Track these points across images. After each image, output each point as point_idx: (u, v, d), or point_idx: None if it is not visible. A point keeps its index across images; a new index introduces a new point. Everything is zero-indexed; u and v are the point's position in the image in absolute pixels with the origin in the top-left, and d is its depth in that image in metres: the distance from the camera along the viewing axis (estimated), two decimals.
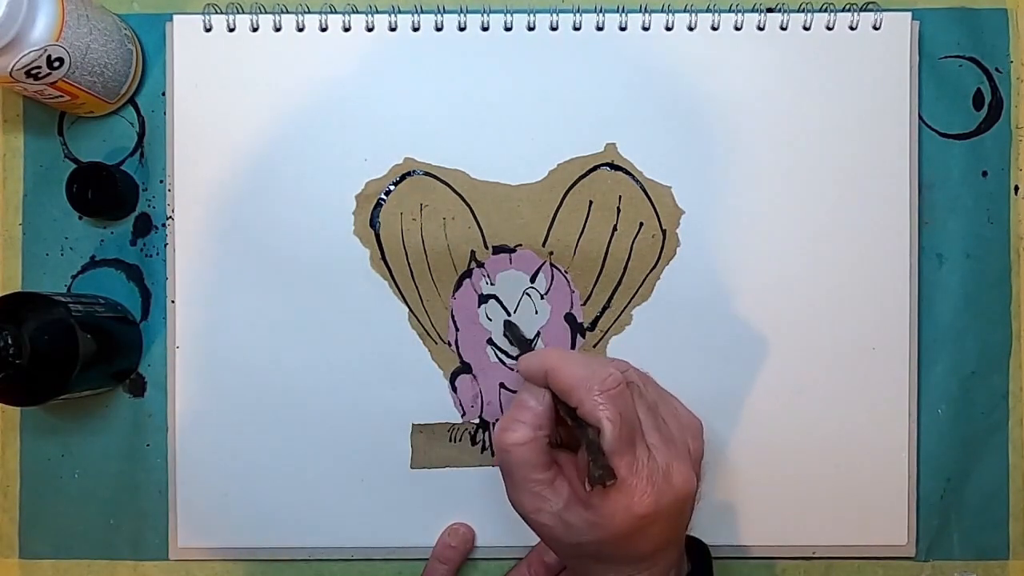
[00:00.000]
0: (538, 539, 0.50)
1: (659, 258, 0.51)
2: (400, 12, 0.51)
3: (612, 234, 0.51)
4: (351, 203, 0.51)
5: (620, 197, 0.51)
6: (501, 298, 0.51)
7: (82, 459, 0.52)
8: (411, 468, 0.51)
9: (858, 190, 0.51)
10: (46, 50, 0.43)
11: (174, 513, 0.51)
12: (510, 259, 0.51)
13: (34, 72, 0.44)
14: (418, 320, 0.51)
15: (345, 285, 0.51)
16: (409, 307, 0.51)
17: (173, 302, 0.51)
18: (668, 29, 0.51)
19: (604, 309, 0.51)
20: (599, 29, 0.51)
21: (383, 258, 0.51)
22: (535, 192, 0.51)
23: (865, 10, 0.51)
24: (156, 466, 0.51)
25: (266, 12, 0.51)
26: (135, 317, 0.51)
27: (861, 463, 0.51)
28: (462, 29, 0.51)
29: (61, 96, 0.47)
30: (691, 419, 0.43)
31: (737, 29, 0.51)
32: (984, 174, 0.52)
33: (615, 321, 0.51)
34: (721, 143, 0.51)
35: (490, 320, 0.51)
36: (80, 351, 0.44)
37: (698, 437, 0.42)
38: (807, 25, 0.51)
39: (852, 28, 0.51)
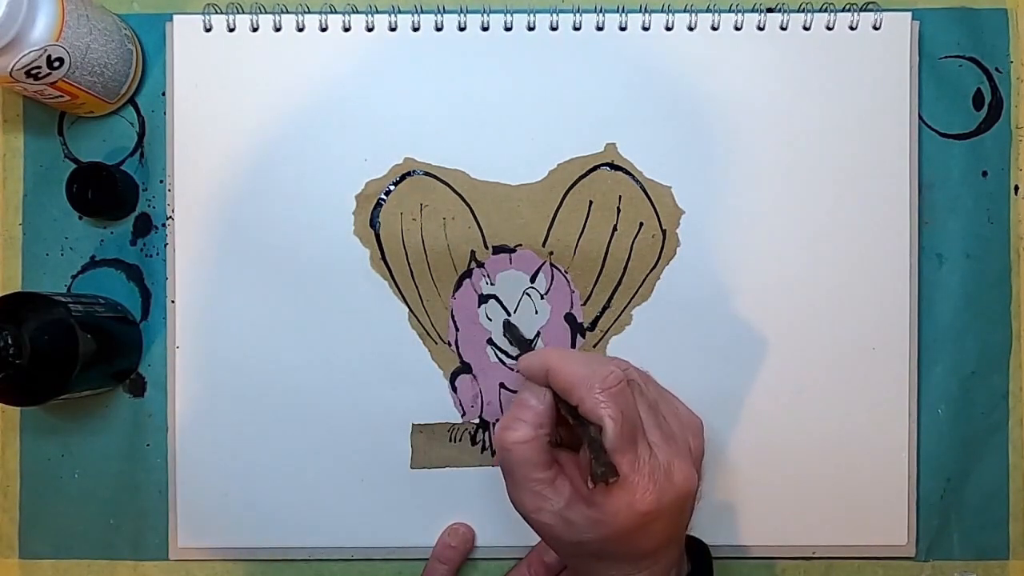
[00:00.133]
0: (538, 539, 0.50)
1: (659, 258, 0.51)
2: (400, 12, 0.51)
3: (612, 234, 0.51)
4: (351, 203, 0.51)
5: (620, 197, 0.51)
6: (501, 298, 0.51)
7: (82, 459, 0.52)
8: (411, 468, 0.51)
9: (858, 190, 0.51)
10: (46, 50, 0.43)
11: (174, 513, 0.51)
12: (510, 259, 0.51)
13: (34, 72, 0.44)
14: (418, 320, 0.51)
15: (345, 285, 0.51)
16: (409, 307, 0.51)
17: (173, 302, 0.51)
18: (668, 29, 0.51)
19: (604, 309, 0.51)
20: (599, 29, 0.51)
21: (383, 258, 0.51)
22: (535, 192, 0.51)
23: (865, 10, 0.51)
24: (156, 466, 0.51)
25: (266, 12, 0.51)
26: (135, 317, 0.51)
27: (861, 463, 0.51)
28: (462, 29, 0.51)
29: (61, 96, 0.47)
30: (691, 418, 0.43)
31: (737, 29, 0.51)
32: (984, 174, 0.52)
33: (615, 321, 0.51)
34: (721, 143, 0.51)
35: (490, 320, 0.51)
36: (80, 351, 0.44)
37: (699, 435, 0.43)
38: (807, 25, 0.51)
39: (852, 28, 0.51)
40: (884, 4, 0.51)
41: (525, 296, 0.51)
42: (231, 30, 0.51)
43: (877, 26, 0.51)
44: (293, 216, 0.51)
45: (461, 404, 0.51)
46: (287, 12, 0.51)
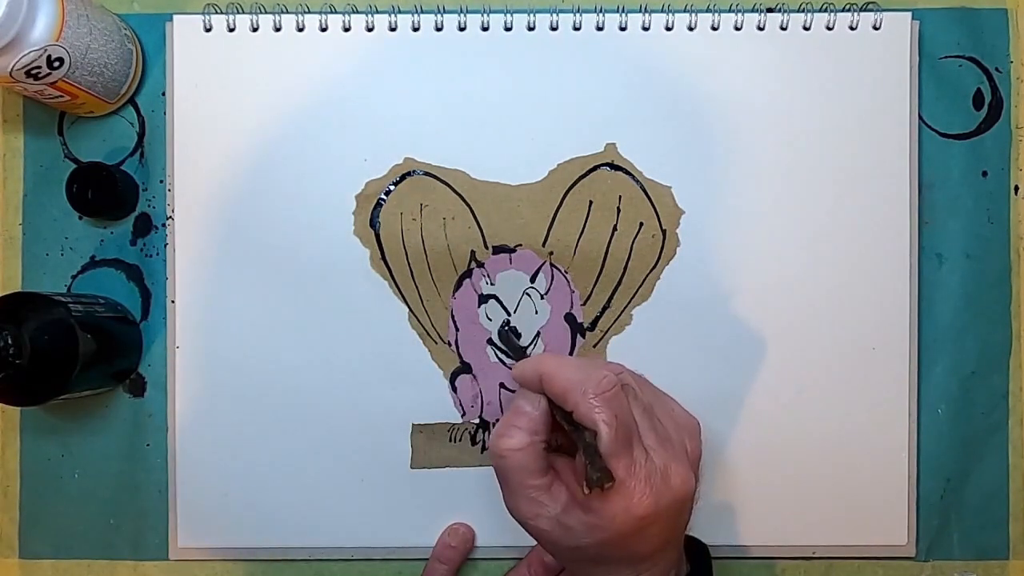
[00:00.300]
0: None
1: (659, 258, 0.51)
2: (400, 12, 0.51)
3: (612, 234, 0.51)
4: (351, 203, 0.51)
5: (620, 197, 0.51)
6: (501, 298, 0.51)
7: (82, 459, 0.52)
8: (411, 468, 0.51)
9: (858, 190, 0.51)
10: (46, 50, 0.43)
11: (174, 513, 0.51)
12: (510, 259, 0.51)
13: (34, 72, 0.44)
14: (418, 320, 0.51)
15: (345, 285, 0.51)
16: (409, 307, 0.51)
17: (173, 302, 0.51)
18: (668, 29, 0.51)
19: (604, 309, 0.51)
20: (599, 29, 0.51)
21: (383, 258, 0.51)
22: (535, 192, 0.51)
23: (865, 10, 0.51)
24: (156, 466, 0.51)
25: (266, 12, 0.51)
26: (135, 317, 0.51)
27: (861, 463, 0.51)
28: (462, 29, 0.51)
29: (61, 96, 0.47)
30: (688, 419, 0.43)
31: (737, 29, 0.51)
32: (984, 174, 0.52)
33: (615, 321, 0.51)
34: (721, 143, 0.51)
35: (490, 320, 0.51)
36: (80, 351, 0.44)
37: (695, 437, 0.42)
38: (807, 25, 0.51)
39: (852, 28, 0.51)
40: (884, 4, 0.51)
41: (525, 296, 0.51)
42: (231, 30, 0.51)
43: (877, 26, 0.51)
44: (293, 216, 0.51)
45: (461, 404, 0.51)
46: (287, 12, 0.51)
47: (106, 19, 0.47)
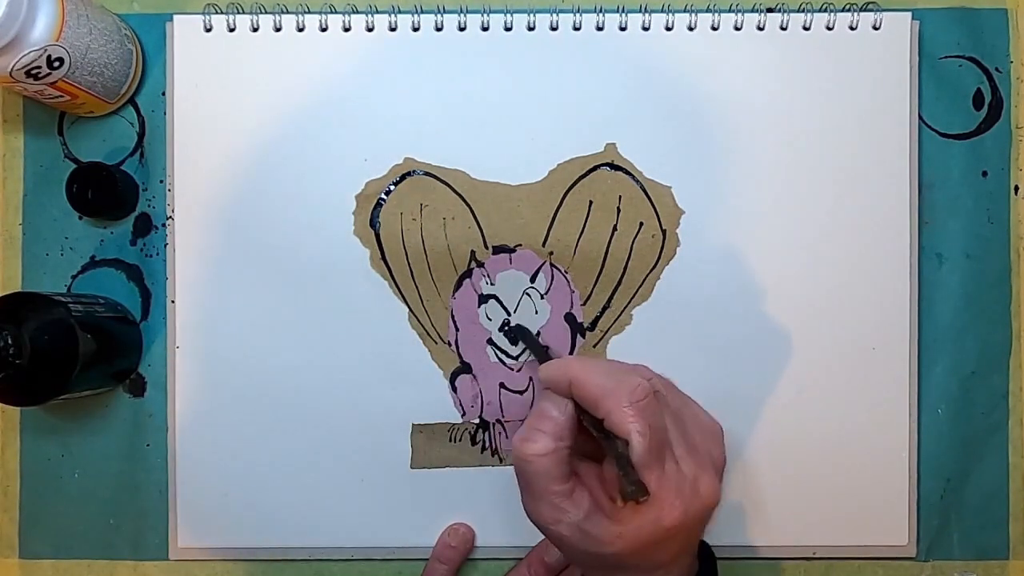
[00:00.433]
0: (538, 539, 0.50)
1: (659, 258, 0.51)
2: (400, 12, 0.51)
3: (612, 234, 0.51)
4: (351, 203, 0.51)
5: (620, 197, 0.51)
6: (501, 298, 0.51)
7: (82, 459, 0.52)
8: (411, 468, 0.51)
9: (858, 190, 0.51)
10: (46, 50, 0.43)
11: (174, 513, 0.51)
12: (510, 259, 0.51)
13: (34, 72, 0.44)
14: (418, 320, 0.51)
15: (345, 285, 0.51)
16: (409, 307, 0.51)
17: (173, 302, 0.51)
18: (668, 29, 0.51)
19: (604, 309, 0.51)
20: (599, 29, 0.51)
21: (383, 258, 0.51)
22: (535, 192, 0.51)
23: (865, 10, 0.51)
24: (156, 466, 0.51)
25: (266, 12, 0.51)
26: (135, 317, 0.51)
27: (861, 463, 0.51)
28: (462, 29, 0.51)
29: (61, 96, 0.47)
30: (712, 425, 0.42)
31: (737, 29, 0.51)
32: (984, 174, 0.52)
33: (615, 321, 0.51)
34: (721, 143, 0.51)
35: (490, 320, 0.51)
36: (80, 351, 0.44)
37: (720, 443, 0.41)
38: (807, 25, 0.51)
39: (852, 28, 0.51)
40: (884, 4, 0.51)
41: (525, 296, 0.51)
42: (231, 30, 0.51)
43: (877, 26, 0.51)
44: (293, 216, 0.51)
45: (461, 404, 0.51)
46: (287, 12, 0.51)
47: (106, 19, 0.47)
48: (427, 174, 0.51)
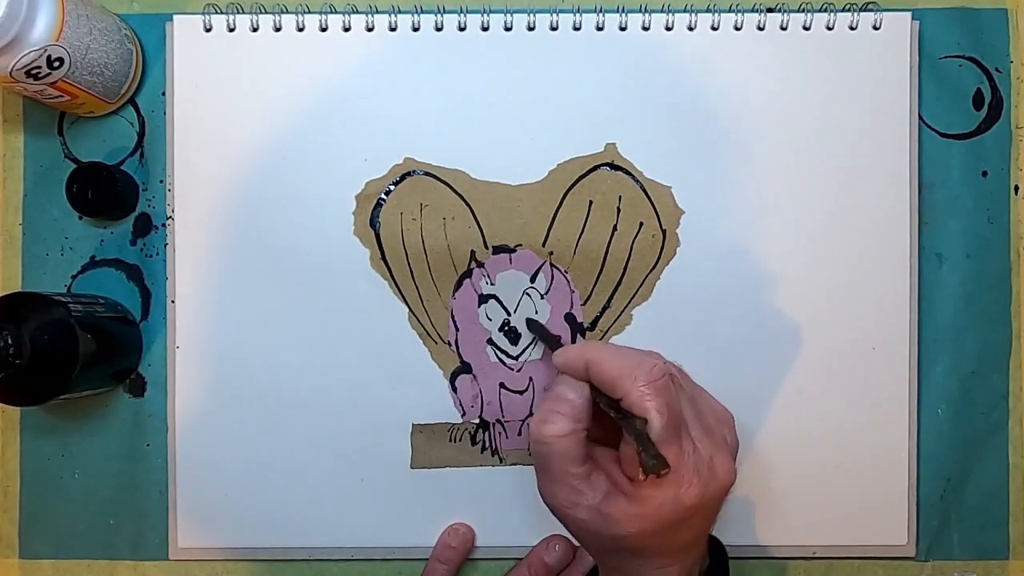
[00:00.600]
0: (539, 539, 0.50)
1: (659, 258, 0.51)
2: (400, 12, 0.51)
3: (612, 234, 0.51)
4: (351, 203, 0.51)
5: (620, 197, 0.51)
6: (501, 298, 0.51)
7: (82, 459, 0.52)
8: (411, 468, 0.51)
9: (858, 190, 0.51)
10: (46, 50, 0.43)
11: (174, 513, 0.51)
12: (510, 259, 0.51)
13: (34, 72, 0.44)
14: (418, 320, 0.51)
15: (345, 285, 0.51)
16: (409, 307, 0.51)
17: (173, 302, 0.51)
18: (668, 29, 0.51)
19: (604, 309, 0.51)
20: (599, 29, 0.51)
21: (383, 258, 0.51)
22: (535, 192, 0.51)
23: (865, 10, 0.51)
24: (156, 466, 0.51)
25: (266, 12, 0.51)
26: (135, 317, 0.51)
27: (861, 463, 0.51)
28: (462, 29, 0.51)
29: (61, 96, 0.47)
30: (724, 412, 0.43)
31: (737, 29, 0.51)
32: (984, 174, 0.52)
33: (615, 321, 0.51)
34: (721, 143, 0.51)
35: (490, 320, 0.51)
36: (80, 351, 0.44)
37: (732, 428, 0.42)
38: (807, 25, 0.51)
39: (852, 28, 0.51)
40: (884, 4, 0.51)
41: (525, 296, 0.51)
42: (231, 30, 0.51)
43: (877, 26, 0.51)
44: (293, 216, 0.51)
45: (461, 404, 0.51)
46: (287, 12, 0.51)
47: (106, 19, 0.47)
48: (427, 174, 0.51)
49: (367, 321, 0.51)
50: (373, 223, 0.51)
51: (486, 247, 0.51)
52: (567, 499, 0.39)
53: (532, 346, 0.51)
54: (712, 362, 0.51)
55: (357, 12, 0.51)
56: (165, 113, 0.51)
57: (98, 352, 0.46)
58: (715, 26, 0.51)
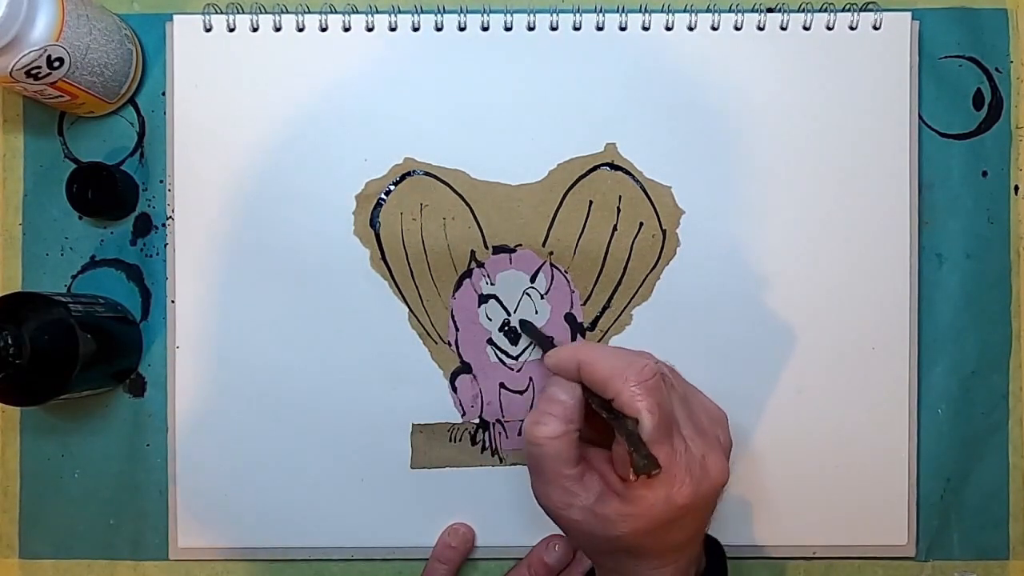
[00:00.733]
0: (538, 539, 0.50)
1: (659, 258, 0.51)
2: (400, 12, 0.51)
3: (612, 234, 0.51)
4: (351, 203, 0.51)
5: (620, 197, 0.51)
6: (501, 298, 0.51)
7: (82, 459, 0.52)
8: (411, 468, 0.51)
9: (858, 190, 0.51)
10: (46, 50, 0.43)
11: (174, 513, 0.51)
12: (510, 259, 0.51)
13: (34, 72, 0.44)
14: (418, 320, 0.51)
15: (345, 285, 0.51)
16: (409, 307, 0.51)
17: (173, 302, 0.51)
18: (668, 29, 0.51)
19: (604, 309, 0.51)
20: (599, 29, 0.51)
21: (383, 258, 0.51)
22: (535, 192, 0.51)
23: (865, 10, 0.51)
24: (156, 466, 0.51)
25: (266, 12, 0.51)
26: (135, 317, 0.51)
27: (861, 463, 0.51)
28: (462, 29, 0.51)
29: (61, 96, 0.47)
30: (717, 411, 0.43)
31: (737, 29, 0.51)
32: (984, 174, 0.52)
33: (615, 321, 0.51)
34: (721, 143, 0.51)
35: (490, 320, 0.51)
36: (80, 351, 0.44)
37: (725, 428, 0.42)
38: (807, 25, 0.51)
39: (852, 28, 0.51)
40: (884, 4, 0.51)
41: (525, 296, 0.51)
42: (231, 30, 0.51)
43: (877, 26, 0.51)
44: (293, 216, 0.51)
45: (461, 404, 0.51)
46: (287, 12, 0.51)
47: (106, 19, 0.47)
48: (427, 174, 0.51)
49: (367, 321, 0.51)
50: (373, 223, 0.51)
51: (486, 247, 0.51)
52: (561, 500, 0.39)
53: (532, 346, 0.51)
54: (712, 362, 0.51)
55: (357, 12, 0.51)
56: (165, 113, 0.51)
57: (98, 352, 0.46)
58: (715, 26, 0.51)
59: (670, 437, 0.38)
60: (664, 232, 0.51)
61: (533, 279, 0.51)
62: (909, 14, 0.51)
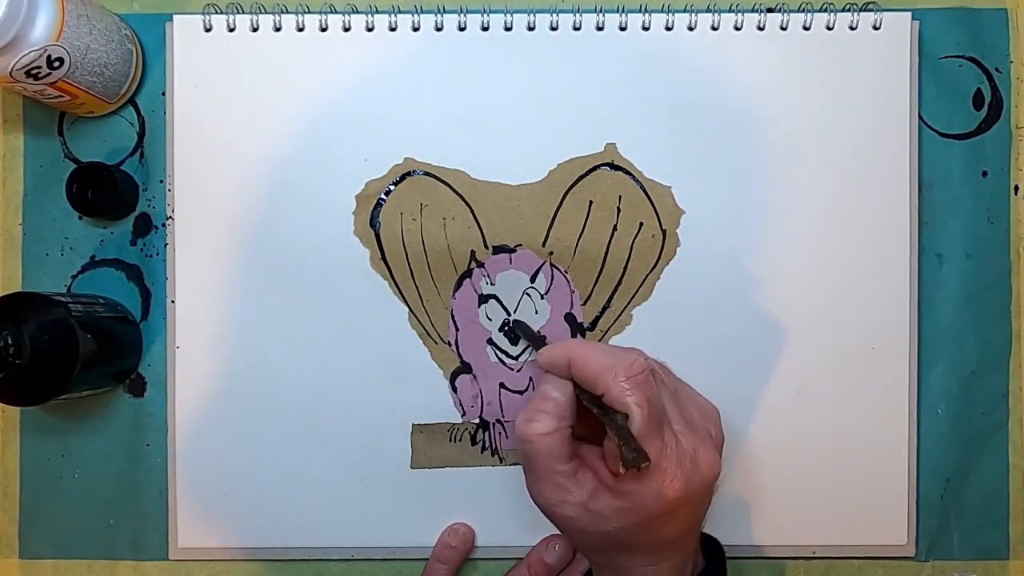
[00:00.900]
0: (538, 539, 0.50)
1: (659, 258, 0.51)
2: (400, 12, 0.51)
3: (612, 234, 0.51)
4: (351, 203, 0.51)
5: (620, 197, 0.51)
6: (501, 298, 0.51)
7: (82, 459, 0.52)
8: (411, 468, 0.51)
9: (858, 190, 0.51)
10: (46, 50, 0.43)
11: (174, 513, 0.51)
12: (510, 259, 0.51)
13: (34, 72, 0.44)
14: (418, 320, 0.51)
15: (345, 285, 0.51)
16: (409, 307, 0.51)
17: (173, 302, 0.51)
18: (668, 29, 0.51)
19: (604, 309, 0.51)
20: (599, 29, 0.51)
21: (383, 258, 0.51)
22: (535, 192, 0.51)
23: (865, 10, 0.51)
24: (156, 466, 0.51)
25: (266, 12, 0.51)
26: (135, 317, 0.51)
27: (861, 463, 0.51)
28: (462, 29, 0.51)
29: (61, 96, 0.47)
30: (709, 406, 0.43)
31: (737, 29, 0.51)
32: (984, 174, 0.52)
33: (615, 321, 0.51)
34: (721, 143, 0.51)
35: (490, 320, 0.51)
36: (80, 351, 0.44)
37: (718, 423, 0.43)
38: (807, 25, 0.51)
39: (852, 28, 0.51)
40: (884, 4, 0.51)
41: (525, 296, 0.51)
42: (231, 30, 0.51)
43: (877, 26, 0.51)
44: (293, 216, 0.51)
45: (461, 404, 0.51)
46: (287, 12, 0.51)
47: (106, 19, 0.47)
48: (427, 174, 0.51)
49: (367, 321, 0.51)
50: (373, 223, 0.51)
51: (486, 247, 0.51)
52: (554, 497, 0.40)
53: (531, 347, 0.51)
54: (712, 362, 0.51)
55: (357, 12, 0.51)
56: (165, 113, 0.51)
57: (98, 352, 0.46)
58: (715, 26, 0.51)
59: (660, 431, 0.38)
60: (664, 232, 0.51)
61: (533, 279, 0.51)
62: (909, 14, 0.51)
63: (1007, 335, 0.52)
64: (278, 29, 0.51)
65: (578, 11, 0.51)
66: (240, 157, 0.51)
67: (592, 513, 0.39)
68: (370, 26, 0.51)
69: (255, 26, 0.51)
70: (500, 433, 0.51)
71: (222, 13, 0.51)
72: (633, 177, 0.51)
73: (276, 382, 0.51)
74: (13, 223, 0.52)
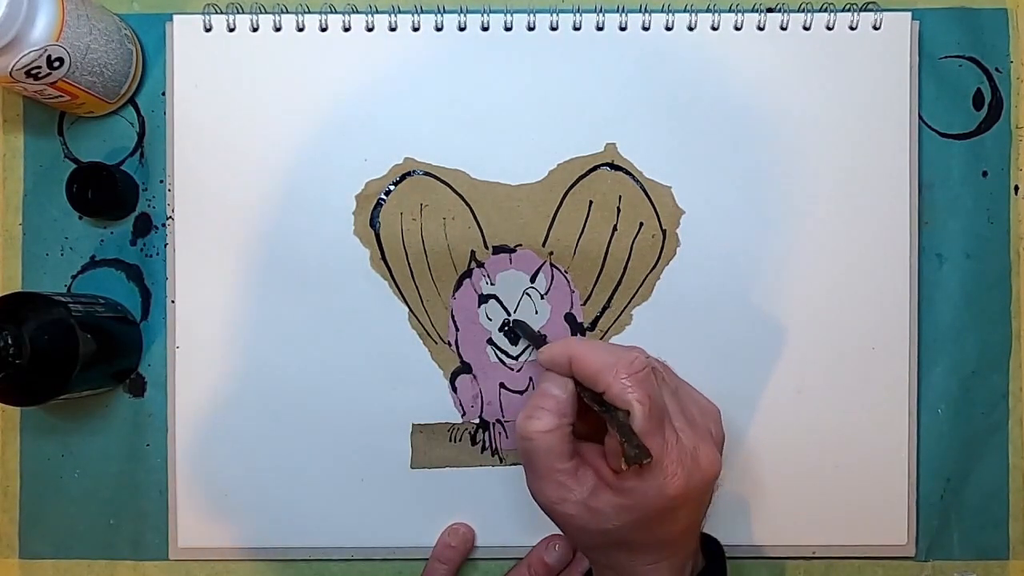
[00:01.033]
0: (538, 539, 0.50)
1: (659, 258, 0.51)
2: (400, 12, 0.51)
3: (612, 234, 0.51)
4: (351, 203, 0.51)
5: (620, 197, 0.51)
6: (501, 298, 0.51)
7: (82, 459, 0.52)
8: (411, 468, 0.51)
9: (858, 190, 0.51)
10: (46, 50, 0.43)
11: (174, 513, 0.51)
12: (510, 259, 0.51)
13: (34, 72, 0.44)
14: (418, 320, 0.51)
15: (345, 285, 0.51)
16: (409, 307, 0.51)
17: (173, 302, 0.51)
18: (668, 29, 0.51)
19: (604, 309, 0.51)
20: (599, 29, 0.51)
21: (383, 258, 0.51)
22: (535, 192, 0.51)
23: (865, 10, 0.51)
24: (156, 466, 0.51)
25: (266, 12, 0.51)
26: (135, 317, 0.51)
27: (861, 463, 0.51)
28: (462, 29, 0.51)
29: (61, 96, 0.47)
30: (709, 405, 0.43)
31: (737, 29, 0.51)
32: (984, 174, 0.52)
33: (615, 321, 0.51)
34: (721, 143, 0.51)
35: (490, 320, 0.51)
36: (80, 351, 0.44)
37: (718, 422, 0.43)
38: (807, 25, 0.51)
39: (852, 28, 0.51)
40: (884, 4, 0.51)
41: (525, 296, 0.51)
42: (231, 30, 0.51)
43: (877, 26, 0.51)
44: (293, 216, 0.51)
45: (461, 404, 0.51)
46: (287, 12, 0.51)
47: (106, 19, 0.47)
48: (427, 174, 0.51)
49: (367, 321, 0.51)
50: (373, 223, 0.51)
51: (486, 247, 0.51)
52: (555, 495, 0.40)
53: (530, 347, 0.51)
54: (712, 362, 0.51)
55: (357, 12, 0.51)
56: (165, 113, 0.51)
57: (98, 352, 0.46)
58: (715, 26, 0.51)
59: (661, 428, 0.38)
60: (664, 232, 0.51)
61: (533, 279, 0.51)
62: (909, 14, 0.51)
63: (1007, 335, 0.52)
64: (278, 29, 0.51)
65: (578, 11, 0.51)
66: (240, 157, 0.51)
67: (593, 511, 0.39)
68: (370, 26, 0.51)
69: (255, 26, 0.51)
70: (500, 433, 0.51)
71: (222, 13, 0.51)
72: (633, 177, 0.51)
73: (276, 382, 0.51)
74: (13, 223, 0.52)
